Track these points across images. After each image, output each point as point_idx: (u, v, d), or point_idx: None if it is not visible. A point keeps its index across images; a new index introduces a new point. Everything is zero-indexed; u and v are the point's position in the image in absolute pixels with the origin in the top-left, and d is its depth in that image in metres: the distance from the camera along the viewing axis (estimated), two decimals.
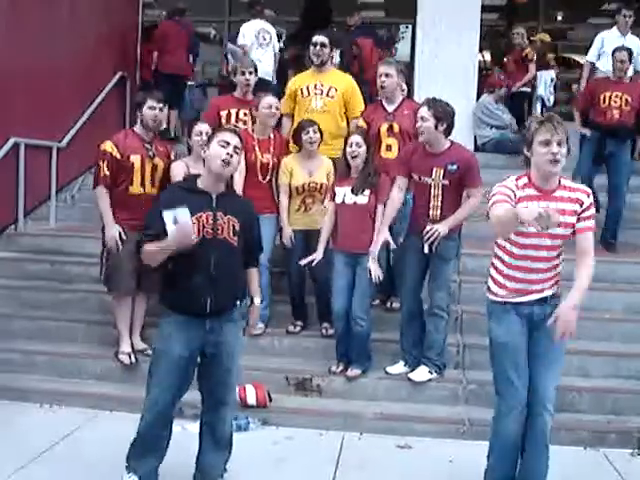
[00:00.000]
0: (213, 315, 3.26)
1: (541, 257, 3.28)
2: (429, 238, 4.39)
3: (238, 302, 3.41)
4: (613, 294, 5.37)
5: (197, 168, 4.70)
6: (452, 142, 4.51)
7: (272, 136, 5.17)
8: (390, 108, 5.07)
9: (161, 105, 4.80)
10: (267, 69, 7.34)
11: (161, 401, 3.28)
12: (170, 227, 3.05)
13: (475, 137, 7.69)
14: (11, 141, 6.09)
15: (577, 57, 9.76)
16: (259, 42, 7.68)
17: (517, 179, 3.29)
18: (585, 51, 7.49)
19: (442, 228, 4.37)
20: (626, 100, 6.36)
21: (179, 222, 3.05)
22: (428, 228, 4.40)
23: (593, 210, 3.29)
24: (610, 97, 6.38)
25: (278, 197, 5.13)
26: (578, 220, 3.24)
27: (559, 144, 3.13)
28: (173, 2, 8.77)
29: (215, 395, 3.39)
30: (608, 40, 7.06)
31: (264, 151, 5.06)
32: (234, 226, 3.29)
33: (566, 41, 11.28)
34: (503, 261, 3.36)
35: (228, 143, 3.28)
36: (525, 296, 3.31)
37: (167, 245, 3.12)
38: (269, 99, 5.10)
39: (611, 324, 5.15)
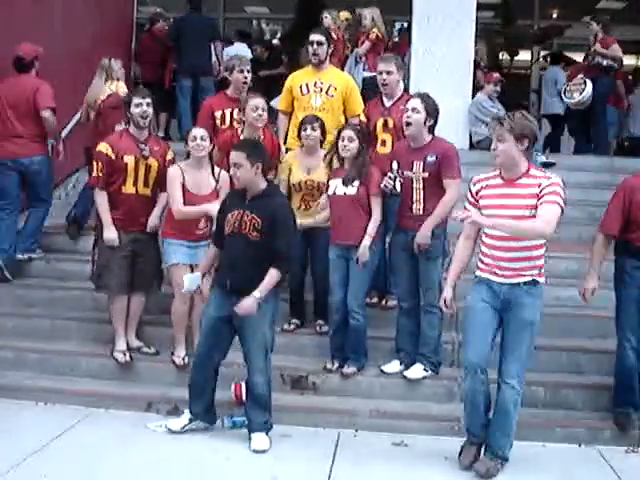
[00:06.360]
0: (235, 292, 3.98)
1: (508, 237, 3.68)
2: (416, 248, 4.44)
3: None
4: (608, 292, 5.37)
5: (193, 172, 4.70)
6: (434, 136, 4.52)
7: (261, 136, 5.02)
8: (388, 103, 5.05)
9: (148, 100, 4.79)
10: None
11: (201, 351, 4.15)
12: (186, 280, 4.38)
13: (470, 134, 7.69)
14: None
15: (572, 55, 9.75)
16: None
17: (489, 174, 3.82)
18: (580, 49, 7.42)
19: (423, 239, 4.40)
20: None
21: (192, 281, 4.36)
22: (416, 240, 4.42)
23: (554, 188, 3.56)
24: None
25: None
26: (539, 199, 3.58)
27: (498, 140, 3.64)
28: (165, 1, 8.76)
29: (248, 362, 4.15)
30: None
31: None
32: (255, 224, 3.96)
33: (561, 39, 11.30)
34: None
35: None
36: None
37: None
38: (256, 101, 4.93)
39: (606, 322, 5.15)
